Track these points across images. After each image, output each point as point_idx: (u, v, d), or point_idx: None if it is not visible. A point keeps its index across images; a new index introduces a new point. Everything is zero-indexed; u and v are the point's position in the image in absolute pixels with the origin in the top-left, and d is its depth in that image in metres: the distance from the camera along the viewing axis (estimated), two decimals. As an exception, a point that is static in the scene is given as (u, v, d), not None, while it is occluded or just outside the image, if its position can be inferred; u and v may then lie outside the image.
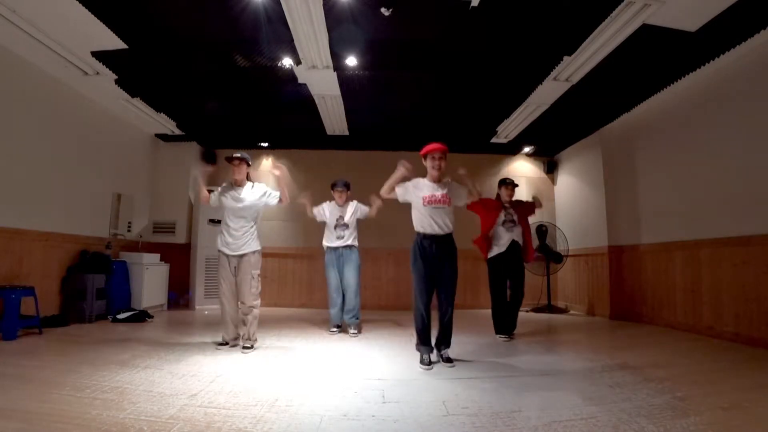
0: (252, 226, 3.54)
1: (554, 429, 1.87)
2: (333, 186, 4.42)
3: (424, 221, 3.11)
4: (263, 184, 3.69)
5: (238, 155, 3.58)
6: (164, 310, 5.85)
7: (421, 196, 3.12)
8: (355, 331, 4.24)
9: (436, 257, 3.06)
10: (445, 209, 3.11)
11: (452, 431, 1.86)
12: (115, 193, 5.63)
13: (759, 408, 2.12)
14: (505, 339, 4.05)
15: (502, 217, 4.15)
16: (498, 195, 4.34)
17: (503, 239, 4.09)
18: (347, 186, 4.44)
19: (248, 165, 3.63)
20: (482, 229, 4.19)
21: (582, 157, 6.47)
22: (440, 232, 3.09)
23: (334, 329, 4.29)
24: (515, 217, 4.15)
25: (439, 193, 3.11)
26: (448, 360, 3.04)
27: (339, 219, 4.34)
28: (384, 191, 3.28)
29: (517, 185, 4.39)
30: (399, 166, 3.16)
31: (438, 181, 3.19)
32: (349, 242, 4.32)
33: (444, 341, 3.11)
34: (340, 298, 4.32)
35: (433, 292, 3.12)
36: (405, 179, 3.21)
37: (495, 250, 4.12)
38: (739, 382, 2.60)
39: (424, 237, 3.10)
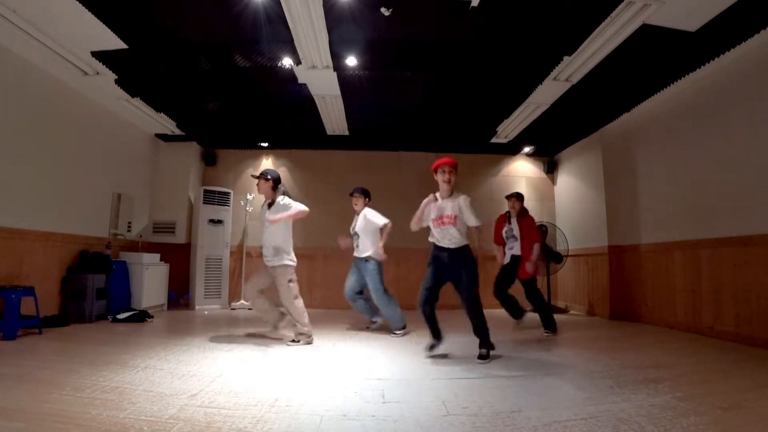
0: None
1: (554, 429, 1.87)
2: (351, 192, 4.48)
3: (435, 236, 3.26)
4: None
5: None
6: (164, 310, 5.84)
7: (431, 218, 3.24)
8: (397, 333, 4.20)
9: (449, 265, 3.18)
10: (452, 228, 3.17)
11: (452, 431, 1.86)
12: (115, 193, 5.63)
13: (759, 408, 2.12)
14: (518, 322, 4.47)
15: (505, 232, 4.50)
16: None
17: (507, 254, 4.46)
18: (363, 192, 4.43)
19: (266, 180, 3.88)
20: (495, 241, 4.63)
21: (582, 157, 6.47)
22: (451, 246, 3.17)
23: (370, 326, 4.44)
24: (515, 232, 4.40)
25: (446, 214, 3.17)
26: (480, 357, 3.14)
27: (352, 228, 4.41)
28: (414, 225, 3.37)
29: (520, 197, 4.52)
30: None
31: (449, 195, 3.23)
32: (363, 255, 4.31)
33: (479, 339, 3.22)
34: (357, 297, 4.39)
35: (433, 292, 3.22)
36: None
37: (505, 259, 4.51)
38: (739, 382, 2.60)
39: (436, 247, 3.25)
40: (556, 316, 4.52)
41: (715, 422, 1.93)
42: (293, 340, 3.71)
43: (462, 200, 3.18)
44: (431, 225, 3.26)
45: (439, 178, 3.25)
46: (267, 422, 1.91)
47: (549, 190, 7.33)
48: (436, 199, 3.26)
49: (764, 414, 2.04)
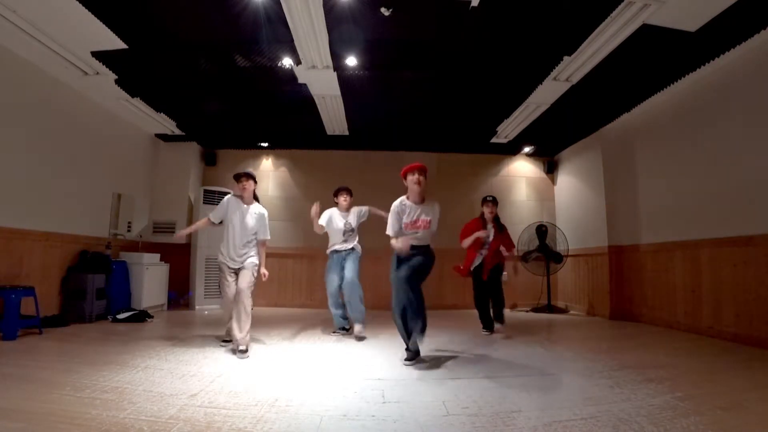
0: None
1: (554, 429, 1.87)
2: (338, 191, 4.39)
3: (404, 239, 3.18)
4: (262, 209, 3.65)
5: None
6: (164, 310, 5.84)
7: (403, 222, 3.18)
8: (360, 331, 4.08)
9: (413, 257, 3.12)
10: (426, 232, 3.17)
11: (452, 431, 1.86)
12: (115, 193, 5.63)
13: (759, 408, 2.12)
14: (486, 333, 4.35)
15: (485, 237, 4.33)
16: (482, 213, 4.43)
17: (477, 258, 4.39)
18: (351, 192, 4.44)
19: (255, 182, 3.64)
20: (467, 254, 4.41)
21: (582, 157, 6.47)
22: (419, 244, 3.16)
23: (336, 332, 4.24)
24: (489, 239, 4.33)
25: (420, 219, 3.16)
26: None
27: (347, 225, 4.33)
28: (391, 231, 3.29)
29: (497, 202, 4.45)
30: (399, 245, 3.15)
31: (421, 201, 3.20)
32: (352, 245, 4.34)
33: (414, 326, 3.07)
34: (340, 302, 4.27)
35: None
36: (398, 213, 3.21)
37: (475, 263, 4.37)
38: (739, 382, 2.61)
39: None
40: (556, 316, 4.51)
41: (715, 422, 1.93)
42: (225, 340, 3.57)
43: (437, 208, 3.22)
44: (402, 230, 3.19)
45: (410, 180, 3.18)
46: (267, 422, 1.91)
47: (549, 190, 7.33)
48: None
49: (764, 414, 2.04)
